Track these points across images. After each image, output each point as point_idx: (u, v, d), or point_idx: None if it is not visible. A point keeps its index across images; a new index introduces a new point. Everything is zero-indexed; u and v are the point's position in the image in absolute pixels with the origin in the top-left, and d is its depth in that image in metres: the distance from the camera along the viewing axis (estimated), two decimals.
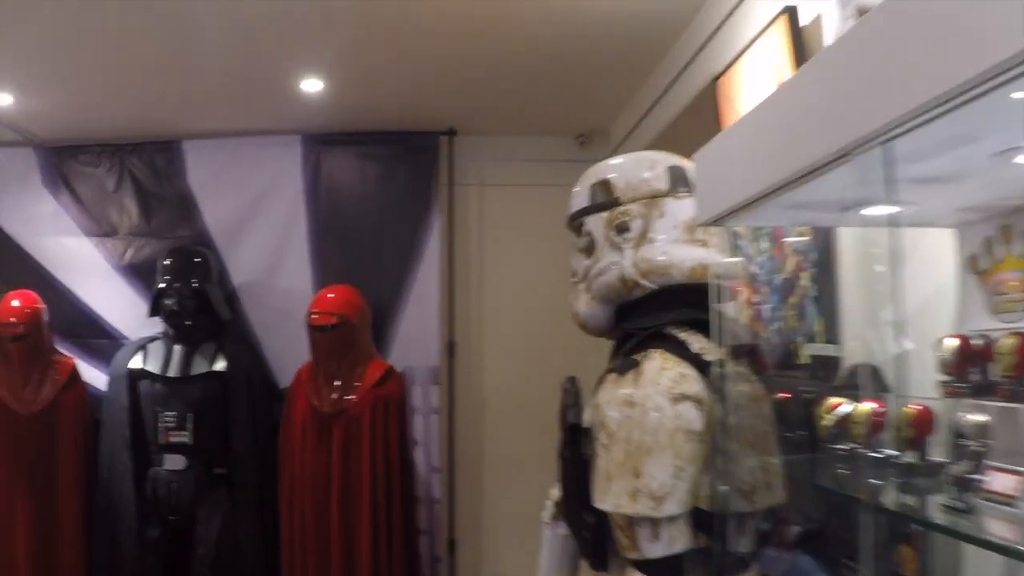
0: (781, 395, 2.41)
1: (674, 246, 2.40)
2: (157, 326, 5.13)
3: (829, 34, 2.80)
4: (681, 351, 2.24)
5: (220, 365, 4.99)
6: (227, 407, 4.97)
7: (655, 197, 2.44)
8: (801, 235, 2.97)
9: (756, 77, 3.32)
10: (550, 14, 3.93)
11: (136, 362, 5.05)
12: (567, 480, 2.41)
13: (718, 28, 3.68)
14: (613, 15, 3.94)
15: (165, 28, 4.00)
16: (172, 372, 4.99)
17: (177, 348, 5.04)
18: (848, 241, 2.64)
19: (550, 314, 5.09)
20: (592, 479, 2.24)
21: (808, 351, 2.87)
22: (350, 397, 4.78)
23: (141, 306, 5.20)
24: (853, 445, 1.95)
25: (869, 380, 2.07)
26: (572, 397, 2.39)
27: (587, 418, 2.34)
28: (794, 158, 1.59)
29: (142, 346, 5.12)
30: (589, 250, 2.53)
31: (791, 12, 3.00)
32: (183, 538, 4.94)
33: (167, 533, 4.96)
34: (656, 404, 2.14)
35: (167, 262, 5.07)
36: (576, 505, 2.32)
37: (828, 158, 1.44)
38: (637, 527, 2.15)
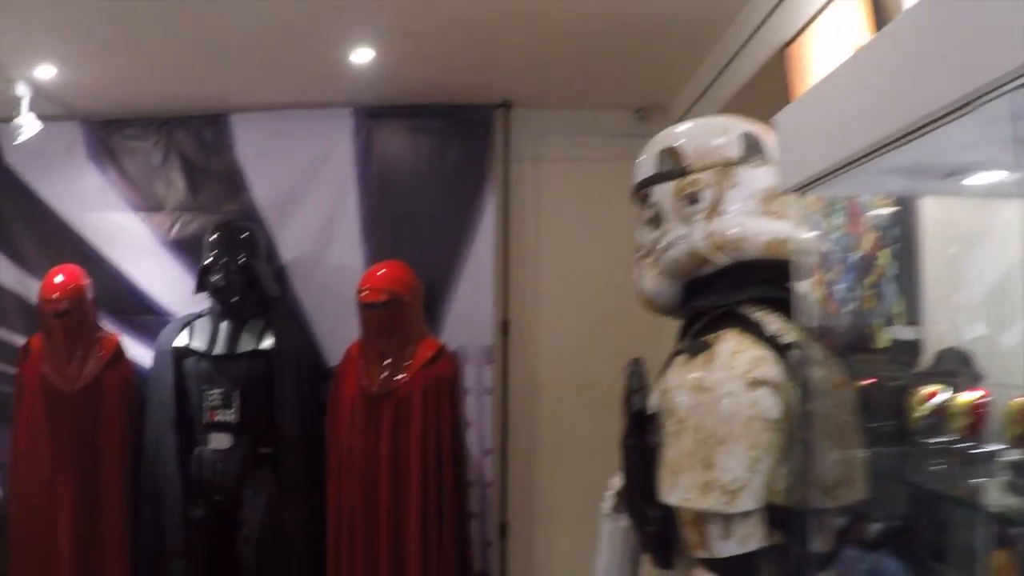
0: (865, 382, 2.22)
1: (748, 218, 2.24)
2: (203, 303, 5.04)
3: None
4: (756, 332, 2.07)
5: (267, 343, 4.89)
6: (274, 386, 4.87)
7: (727, 165, 2.28)
8: (881, 209, 2.77)
9: (830, 43, 3.13)
10: None
11: (182, 339, 4.98)
12: (630, 470, 2.27)
13: None
14: None
15: None
16: (218, 350, 4.90)
17: (224, 325, 4.95)
18: (936, 215, 2.44)
19: (607, 293, 5.03)
20: (658, 470, 2.08)
21: (887, 335, 2.68)
22: (400, 377, 4.66)
23: (187, 282, 5.11)
24: (949, 438, 1.77)
25: (961, 366, 1.89)
26: (637, 381, 2.24)
27: (653, 404, 2.19)
28: (897, 115, 1.40)
29: (188, 323, 5.04)
30: (656, 222, 2.37)
31: None
32: (228, 519, 4.86)
33: (212, 513, 4.88)
34: (730, 389, 1.99)
35: (214, 237, 4.97)
36: (640, 498, 2.19)
37: (943, 110, 1.25)
38: (707, 523, 2.00)
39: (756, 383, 1.98)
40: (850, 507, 2.07)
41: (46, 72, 4.74)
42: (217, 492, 4.82)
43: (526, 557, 5.31)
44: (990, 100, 1.20)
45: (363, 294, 4.65)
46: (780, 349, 2.05)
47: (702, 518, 1.99)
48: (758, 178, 2.25)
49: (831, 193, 2.26)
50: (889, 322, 2.67)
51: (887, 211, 2.72)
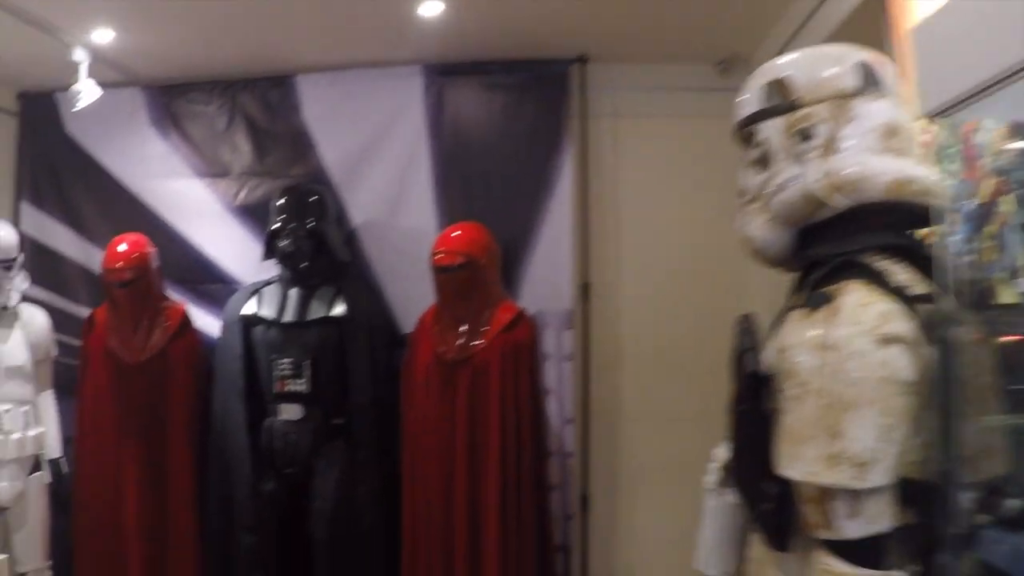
0: (1007, 338, 2.00)
1: (868, 156, 2.03)
2: (272, 270, 4.93)
3: None
4: (881, 283, 1.86)
5: (339, 310, 4.75)
6: (346, 354, 4.74)
7: (843, 97, 2.07)
8: (1000, 152, 2.52)
9: None
10: None
11: (250, 307, 4.87)
12: (742, 440, 2.07)
13: None
14: None
15: None
16: (288, 317, 4.78)
17: (293, 292, 4.82)
18: None
19: (691, 252, 4.93)
20: (775, 440, 1.88)
21: (1013, 289, 2.44)
22: (477, 343, 4.49)
23: (255, 249, 5.02)
24: None
25: None
26: (749, 339, 2.04)
27: (767, 364, 1.98)
28: None
29: (256, 290, 4.92)
30: (763, 163, 2.17)
31: None
32: (299, 492, 4.76)
33: (282, 486, 4.78)
34: (858, 347, 1.79)
35: (281, 202, 4.83)
36: (754, 471, 1.99)
37: None
38: (832, 500, 1.81)
39: (887, 340, 1.78)
40: (990, 481, 1.86)
41: (103, 36, 4.65)
42: (288, 464, 4.72)
43: (608, 530, 5.15)
44: None
45: (437, 257, 4.48)
46: (909, 302, 1.85)
47: (827, 494, 1.81)
48: (877, 112, 2.05)
49: (979, 116, 2.04)
50: (1014, 275, 2.43)
51: (1008, 150, 2.48)
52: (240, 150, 5.30)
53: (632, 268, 5.11)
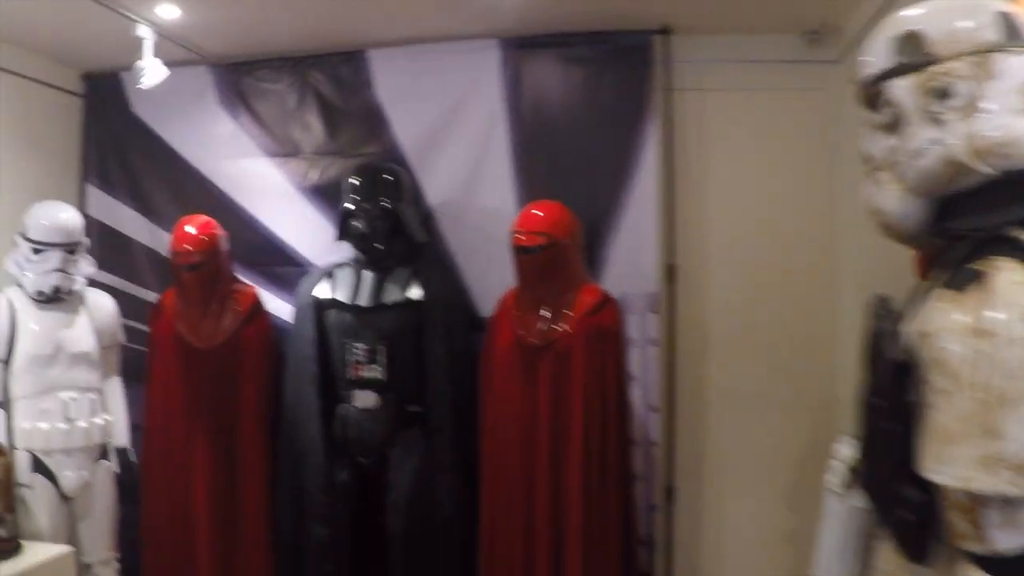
0: None
1: (1015, 117, 1.85)
2: (345, 251, 4.81)
3: None
4: None
5: (415, 292, 4.63)
6: (423, 339, 4.61)
7: (984, 51, 1.89)
8: None
9: None
10: None
11: (323, 290, 4.76)
12: (876, 436, 1.88)
13: None
14: None
15: None
16: (362, 301, 4.66)
17: (367, 274, 4.71)
18: None
19: (782, 232, 4.76)
20: (918, 438, 1.69)
21: None
22: (561, 327, 4.32)
23: (328, 230, 4.92)
24: None
25: None
26: (890, 322, 1.84)
27: (904, 351, 1.78)
28: None
29: (329, 273, 4.82)
30: (893, 126, 1.99)
31: None
32: (373, 482, 4.66)
33: (356, 477, 4.68)
34: (1019, 334, 1.60)
35: (355, 181, 4.71)
36: (889, 472, 1.79)
37: None
38: (985, 508, 1.65)
39: None
40: None
41: (168, 12, 4.58)
42: (362, 454, 4.63)
43: (693, 523, 4.99)
44: None
45: (518, 237, 4.32)
46: None
47: (978, 501, 1.64)
48: (1020, 68, 1.87)
49: None
50: None
51: None
52: (311, 128, 5.20)
53: (719, 248, 4.93)
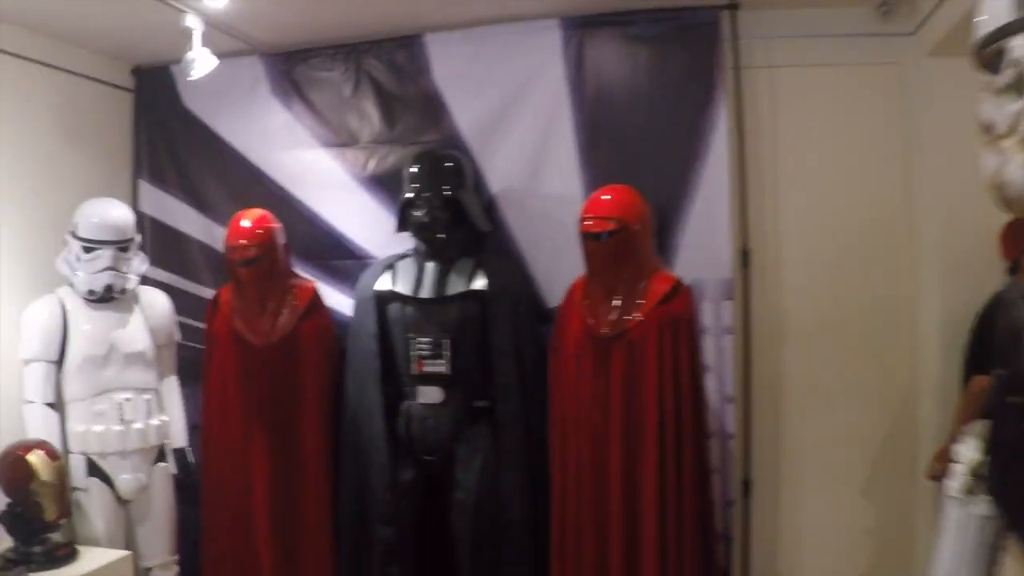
0: None
1: None
2: (406, 242, 4.72)
3: None
4: None
5: (480, 283, 4.51)
6: (488, 331, 4.49)
7: None
8: None
9: None
10: None
11: (384, 283, 4.66)
12: (1008, 440, 1.69)
13: None
14: None
15: None
16: (425, 293, 4.55)
17: (430, 266, 4.59)
18: None
19: (859, 214, 4.59)
20: None
21: None
22: (632, 316, 4.16)
23: (388, 221, 4.83)
24: None
25: None
26: None
27: None
28: None
29: (390, 265, 4.71)
30: (1018, 87, 1.77)
31: None
32: (439, 481, 4.57)
33: (421, 475, 4.60)
34: None
35: (414, 169, 4.60)
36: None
37: None
38: None
39: None
40: None
41: (216, 1, 4.47)
42: (427, 451, 4.54)
43: (771, 517, 4.83)
44: None
45: (587, 223, 4.17)
46: None
47: None
48: None
49: None
50: None
51: None
52: (368, 117, 5.10)
53: (794, 231, 4.77)
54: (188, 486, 4.81)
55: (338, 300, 5.00)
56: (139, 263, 4.64)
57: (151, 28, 4.80)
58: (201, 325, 5.00)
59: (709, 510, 4.29)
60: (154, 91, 5.52)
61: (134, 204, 5.36)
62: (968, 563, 2.00)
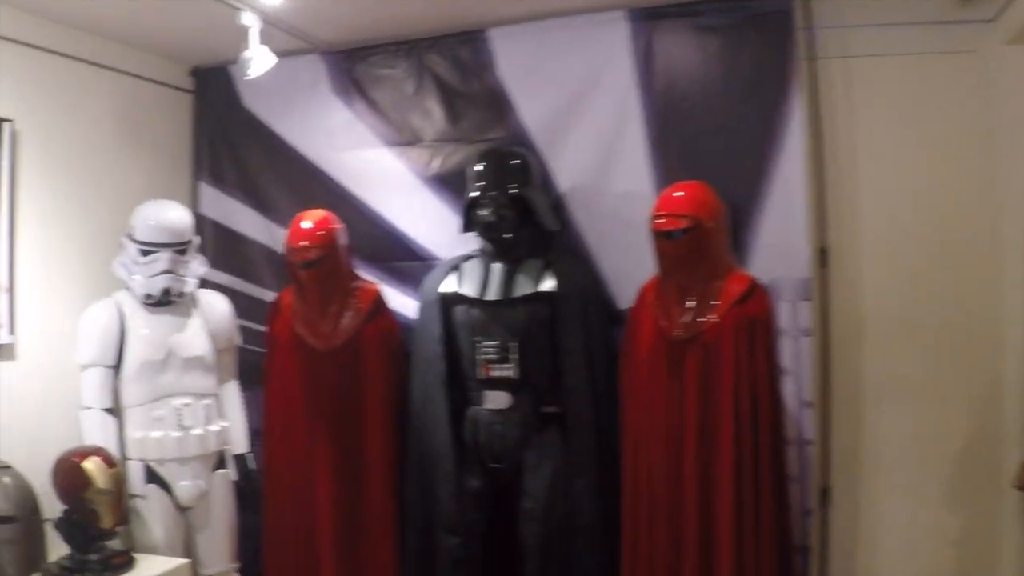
0: None
1: None
2: (472, 243, 4.63)
3: None
4: None
5: (548, 285, 4.39)
6: (558, 334, 4.38)
7: None
8: None
9: None
10: None
11: (449, 285, 4.57)
12: None
13: None
14: None
15: None
16: (492, 295, 4.44)
17: (496, 267, 4.49)
18: None
19: (941, 209, 4.40)
20: None
21: None
22: (707, 318, 4.03)
23: (453, 221, 4.74)
24: None
25: None
26: None
27: None
28: None
29: (455, 266, 4.63)
30: None
31: None
32: (507, 489, 4.48)
33: (489, 483, 4.51)
34: None
35: (479, 167, 4.50)
36: None
37: None
38: None
39: None
40: None
41: None
42: (495, 459, 4.45)
43: (850, 528, 4.64)
44: None
45: (659, 221, 4.04)
46: None
47: None
48: None
49: None
50: None
51: None
52: (431, 115, 5.01)
53: (873, 228, 4.57)
54: (249, 493, 4.77)
55: (402, 303, 4.93)
56: (197, 266, 4.59)
57: (209, 28, 4.77)
58: (262, 328, 4.96)
59: (787, 519, 4.15)
60: (213, 92, 5.50)
61: (194, 206, 5.35)
62: None
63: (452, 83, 4.97)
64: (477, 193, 4.42)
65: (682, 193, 4.08)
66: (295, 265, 4.57)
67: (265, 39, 4.58)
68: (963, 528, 4.44)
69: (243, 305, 5.13)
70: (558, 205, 4.68)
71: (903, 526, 4.53)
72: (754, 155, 4.44)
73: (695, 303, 4.05)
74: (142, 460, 4.33)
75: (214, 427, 4.50)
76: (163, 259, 4.35)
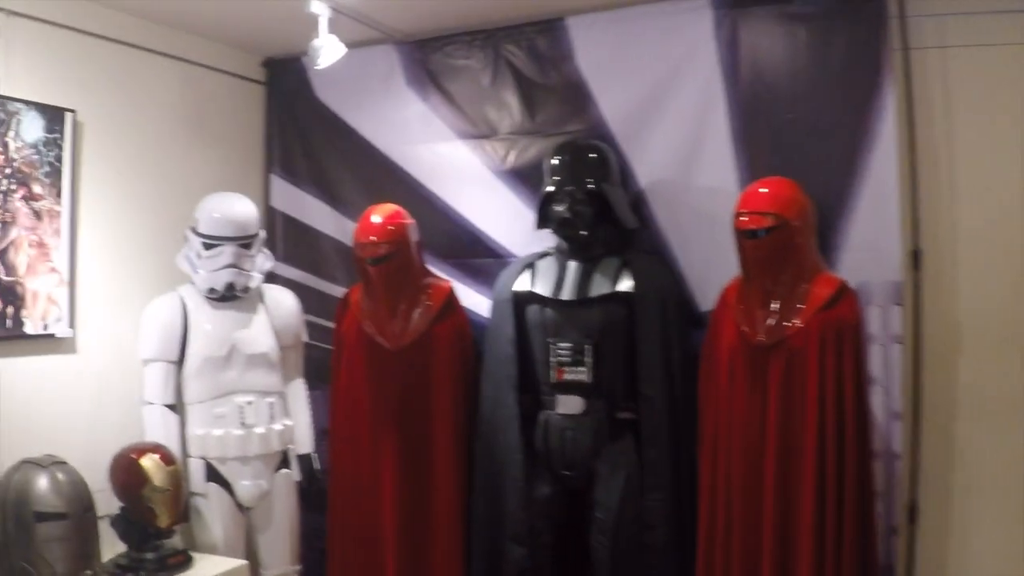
0: None
1: None
2: (548, 240, 4.47)
3: None
4: None
5: (626, 285, 4.21)
6: (635, 337, 4.19)
7: None
8: None
9: None
10: None
11: (522, 283, 4.42)
12: None
13: None
14: None
15: None
16: (566, 295, 4.27)
17: (572, 265, 4.32)
18: None
19: None
20: None
21: None
22: (792, 323, 3.83)
23: (529, 217, 4.57)
24: None
25: None
26: None
27: None
28: None
29: (530, 264, 4.48)
30: None
31: None
32: (578, 498, 4.31)
33: (559, 492, 4.34)
34: None
35: (556, 161, 4.35)
36: None
37: None
38: None
39: None
40: None
41: None
42: (566, 466, 4.28)
43: (938, 548, 4.37)
44: None
45: (742, 219, 3.85)
46: None
47: None
48: None
49: None
50: None
51: None
52: (507, 107, 4.88)
53: (970, 230, 4.31)
54: (312, 494, 4.70)
55: (476, 301, 4.82)
56: (263, 260, 4.51)
57: (281, 18, 4.71)
58: (332, 325, 4.88)
59: (872, 539, 3.93)
60: (286, 83, 5.46)
61: (265, 199, 5.32)
62: None
63: (529, 74, 4.83)
64: (552, 188, 4.28)
65: (767, 190, 3.89)
66: (363, 261, 4.45)
67: (338, 29, 4.51)
68: None
69: (313, 301, 5.09)
70: (638, 201, 4.52)
71: (996, 548, 4.26)
72: (844, 150, 4.23)
73: (779, 307, 3.86)
74: (203, 458, 4.28)
75: (277, 426, 4.43)
76: (227, 253, 4.28)
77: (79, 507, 3.65)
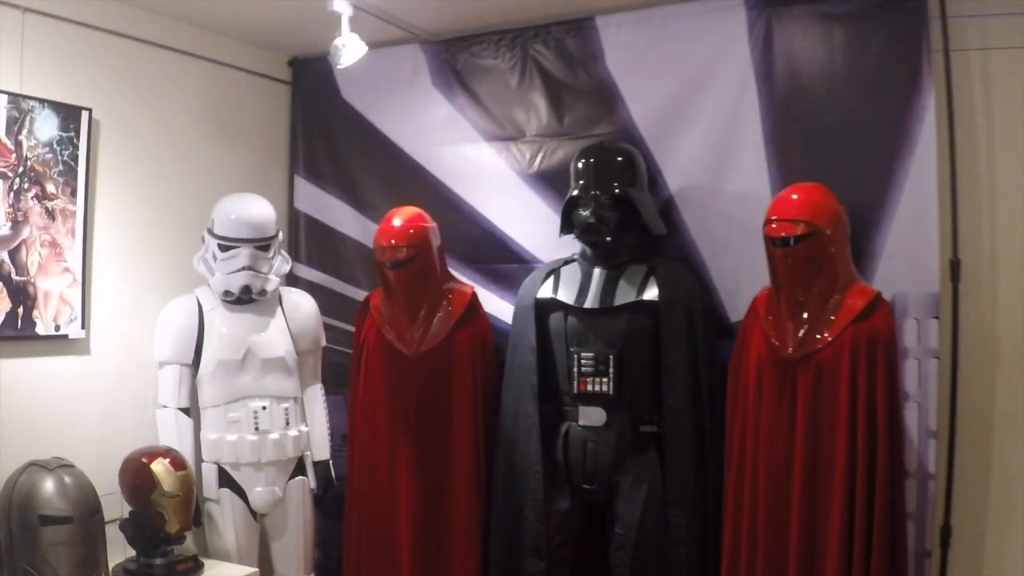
0: None
1: None
2: (573, 246, 4.38)
3: None
4: None
5: (651, 293, 4.10)
6: (660, 348, 4.08)
7: None
8: None
9: None
10: None
11: (545, 290, 4.32)
12: None
13: None
14: None
15: None
16: (590, 303, 4.17)
17: (597, 272, 4.22)
18: None
19: None
20: None
21: None
22: (823, 335, 3.70)
23: (554, 222, 4.48)
24: None
25: None
26: None
27: None
28: None
29: (554, 270, 4.38)
30: None
31: None
32: (599, 513, 4.22)
33: (580, 506, 4.24)
34: None
35: (581, 164, 4.25)
36: None
37: None
38: None
39: None
40: None
41: None
42: (587, 479, 4.18)
43: (972, 571, 4.21)
44: None
45: (772, 226, 3.73)
46: None
47: None
48: None
49: None
50: None
51: None
52: (535, 108, 4.79)
53: (1011, 241, 4.15)
54: (327, 501, 4.66)
55: (499, 307, 4.73)
56: (281, 263, 4.45)
57: (306, 18, 4.66)
58: (353, 329, 4.80)
59: (902, 561, 3.78)
60: (311, 83, 5.41)
61: (289, 200, 5.29)
62: None
63: (558, 75, 4.74)
64: (577, 192, 4.19)
65: (799, 196, 3.76)
66: (383, 264, 4.37)
67: (363, 28, 4.45)
68: None
69: (336, 304, 5.05)
70: (667, 207, 4.43)
71: None
72: (881, 156, 4.09)
73: (810, 318, 3.73)
74: (216, 463, 4.24)
75: (293, 432, 4.38)
76: (243, 255, 4.23)
77: (85, 511, 3.61)
